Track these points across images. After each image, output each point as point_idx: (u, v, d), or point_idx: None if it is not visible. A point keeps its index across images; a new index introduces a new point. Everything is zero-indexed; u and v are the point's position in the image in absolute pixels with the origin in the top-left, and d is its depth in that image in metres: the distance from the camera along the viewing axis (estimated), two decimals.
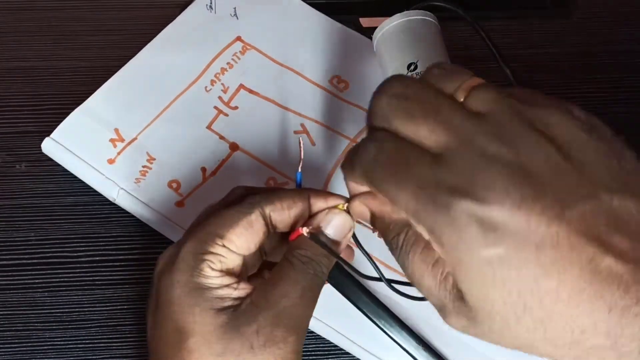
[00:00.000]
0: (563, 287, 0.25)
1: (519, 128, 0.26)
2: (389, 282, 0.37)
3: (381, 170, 0.28)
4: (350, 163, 0.30)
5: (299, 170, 0.39)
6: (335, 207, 0.37)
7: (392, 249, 0.31)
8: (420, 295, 0.38)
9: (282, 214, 0.36)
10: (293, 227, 0.37)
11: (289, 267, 0.35)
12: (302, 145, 0.41)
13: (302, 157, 0.40)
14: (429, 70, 0.30)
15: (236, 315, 0.34)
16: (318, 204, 0.37)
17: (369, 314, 0.44)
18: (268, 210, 0.36)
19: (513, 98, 0.28)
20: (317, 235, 0.36)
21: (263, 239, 0.37)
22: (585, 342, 0.26)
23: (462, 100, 0.28)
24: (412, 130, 0.28)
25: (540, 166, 0.25)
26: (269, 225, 0.37)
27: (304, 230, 0.36)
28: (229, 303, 0.34)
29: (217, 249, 0.35)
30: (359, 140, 0.32)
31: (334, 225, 0.36)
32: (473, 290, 0.27)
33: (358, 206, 0.33)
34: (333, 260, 0.36)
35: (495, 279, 0.26)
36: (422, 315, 0.44)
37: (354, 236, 0.37)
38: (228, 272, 0.35)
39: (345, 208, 0.36)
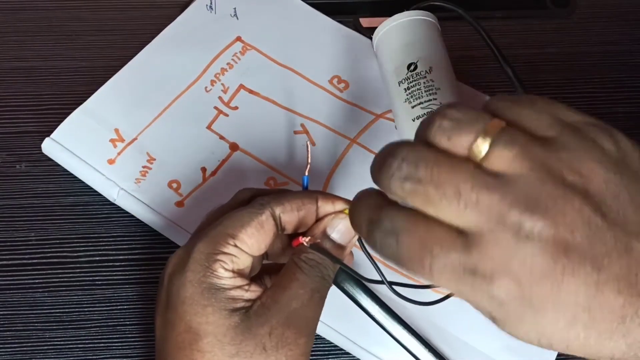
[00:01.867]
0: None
1: (551, 192, 0.25)
2: (392, 287, 0.37)
3: (407, 259, 0.27)
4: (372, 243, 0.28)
5: (306, 174, 0.39)
6: (341, 211, 0.37)
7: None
8: (422, 300, 0.38)
9: (292, 215, 0.37)
10: (299, 228, 0.37)
11: (297, 271, 0.35)
12: (309, 149, 0.41)
13: (309, 161, 0.40)
14: (434, 123, 0.27)
15: (248, 317, 0.34)
16: (325, 207, 0.37)
17: (370, 313, 0.44)
18: (278, 211, 0.36)
19: (538, 145, 0.26)
20: (317, 245, 0.36)
21: (272, 240, 0.37)
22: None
23: (481, 156, 0.26)
24: (434, 213, 0.26)
25: (579, 234, 0.25)
26: (278, 226, 0.37)
27: (304, 241, 0.36)
28: (241, 304, 0.34)
29: (230, 249, 0.35)
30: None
31: (339, 230, 0.36)
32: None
33: None
34: None
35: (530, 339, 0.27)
36: (424, 314, 0.44)
37: (360, 240, 0.37)
38: (240, 273, 0.35)
39: None
